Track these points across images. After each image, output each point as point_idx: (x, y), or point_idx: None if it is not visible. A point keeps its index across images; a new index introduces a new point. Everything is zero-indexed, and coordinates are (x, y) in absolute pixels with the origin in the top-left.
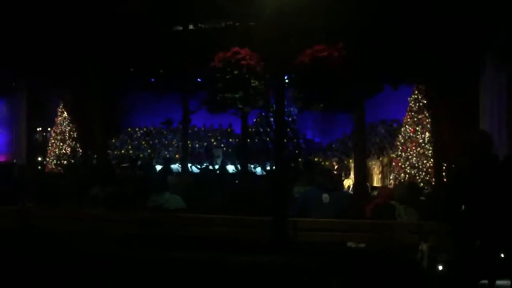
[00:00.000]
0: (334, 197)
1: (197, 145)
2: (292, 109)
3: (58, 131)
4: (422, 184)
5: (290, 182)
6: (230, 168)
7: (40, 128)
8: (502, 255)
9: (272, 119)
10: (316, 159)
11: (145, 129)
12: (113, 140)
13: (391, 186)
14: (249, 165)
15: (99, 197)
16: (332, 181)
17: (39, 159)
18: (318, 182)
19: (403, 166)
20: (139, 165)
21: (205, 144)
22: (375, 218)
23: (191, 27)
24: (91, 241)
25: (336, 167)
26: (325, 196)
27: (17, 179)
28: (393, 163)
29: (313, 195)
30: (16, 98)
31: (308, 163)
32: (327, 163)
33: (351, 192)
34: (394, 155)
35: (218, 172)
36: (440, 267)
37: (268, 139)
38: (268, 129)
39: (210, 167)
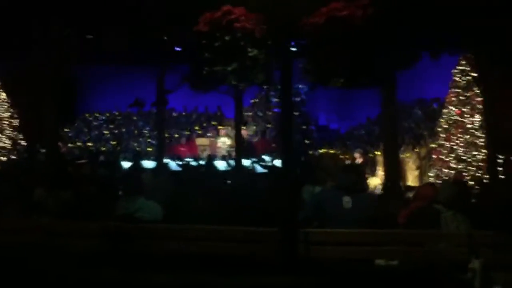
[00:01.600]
0: (357, 201)
1: (176, 135)
2: (300, 86)
3: None
4: (472, 182)
5: (299, 181)
6: (220, 164)
7: None
8: None
9: (275, 100)
10: (332, 152)
11: (107, 114)
12: (67, 130)
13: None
14: (245, 160)
15: (46, 203)
16: (356, 180)
17: None
18: (337, 180)
19: (446, 159)
20: (101, 162)
21: (186, 132)
22: (412, 227)
23: None
24: (39, 260)
25: (359, 161)
26: (346, 200)
27: None
28: (434, 156)
29: (330, 198)
30: None
31: (306, 166)
32: (347, 156)
33: (380, 194)
34: (434, 145)
35: (204, 169)
36: None
37: (269, 125)
38: (270, 113)
39: (194, 163)
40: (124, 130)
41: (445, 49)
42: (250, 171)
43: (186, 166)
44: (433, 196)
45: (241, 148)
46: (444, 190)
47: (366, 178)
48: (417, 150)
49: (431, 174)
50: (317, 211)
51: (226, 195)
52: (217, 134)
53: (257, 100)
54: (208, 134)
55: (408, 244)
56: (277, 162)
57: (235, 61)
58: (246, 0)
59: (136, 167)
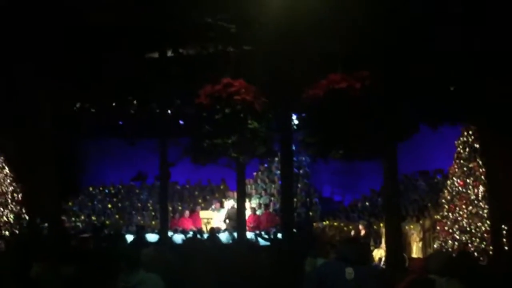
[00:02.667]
0: (361, 273)
1: (179, 207)
2: (303, 158)
3: None
4: (476, 253)
5: (302, 253)
6: (223, 236)
7: None
8: None
9: (277, 172)
10: (335, 224)
11: (111, 187)
12: (70, 203)
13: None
14: (248, 233)
15: (43, 279)
16: (359, 252)
17: None
18: (340, 252)
19: (450, 230)
20: (105, 236)
21: (190, 205)
22: None
23: (169, 53)
24: None
25: (362, 233)
26: (349, 271)
27: None
28: (438, 227)
29: (333, 270)
30: None
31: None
32: (350, 228)
33: (383, 266)
34: (438, 217)
35: (207, 243)
36: None
37: (272, 198)
38: (273, 185)
39: (198, 236)
40: (127, 203)
41: (446, 120)
42: (253, 243)
43: (189, 239)
44: (424, 267)
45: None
46: (433, 258)
47: (371, 250)
48: (421, 221)
49: (435, 246)
50: (320, 283)
51: (228, 268)
52: (221, 207)
53: (260, 173)
54: (212, 207)
55: None
56: (280, 235)
57: (235, 134)
58: (246, 71)
59: (139, 240)
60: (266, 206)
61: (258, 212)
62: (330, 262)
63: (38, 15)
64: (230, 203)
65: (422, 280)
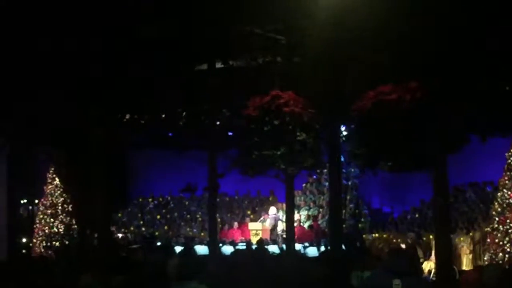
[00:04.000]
0: (409, 284)
1: (229, 218)
2: (352, 170)
3: (48, 204)
4: None
5: (349, 266)
6: (272, 248)
7: (25, 200)
8: None
9: (326, 183)
10: (384, 236)
11: (160, 198)
12: (120, 214)
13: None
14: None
15: None
16: (406, 263)
17: (24, 240)
18: (387, 264)
19: (501, 242)
20: (155, 247)
21: (239, 216)
22: None
23: (218, 65)
24: None
25: (412, 245)
26: (397, 283)
27: None
28: (488, 239)
29: (381, 281)
30: None
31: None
32: (399, 240)
33: (433, 279)
34: (489, 229)
35: (255, 254)
36: None
37: (321, 210)
38: (322, 197)
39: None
40: (176, 214)
41: (496, 132)
42: (302, 255)
43: (237, 250)
44: (478, 281)
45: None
46: (488, 273)
47: (420, 262)
48: (471, 234)
49: (486, 258)
50: None
51: (276, 279)
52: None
53: (309, 184)
54: (261, 219)
55: None
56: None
57: (283, 145)
58: (294, 83)
59: (189, 251)
60: (315, 217)
61: (307, 224)
62: (377, 273)
63: (93, 26)
64: (272, 211)
65: None
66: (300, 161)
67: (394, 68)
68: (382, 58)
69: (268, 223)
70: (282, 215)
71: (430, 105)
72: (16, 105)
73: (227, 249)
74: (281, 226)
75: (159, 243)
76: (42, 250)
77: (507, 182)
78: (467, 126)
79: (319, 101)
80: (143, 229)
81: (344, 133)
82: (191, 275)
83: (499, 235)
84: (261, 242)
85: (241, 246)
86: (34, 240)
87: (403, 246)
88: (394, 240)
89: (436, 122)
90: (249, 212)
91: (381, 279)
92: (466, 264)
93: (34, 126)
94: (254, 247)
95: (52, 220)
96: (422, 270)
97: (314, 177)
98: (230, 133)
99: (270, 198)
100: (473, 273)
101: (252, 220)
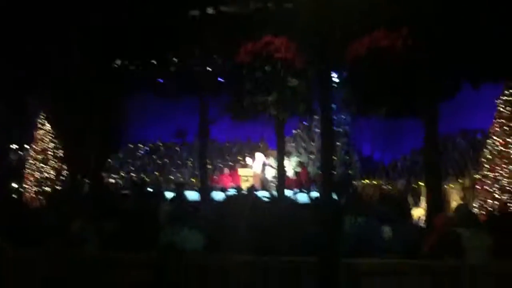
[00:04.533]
0: (399, 231)
1: (219, 164)
2: (343, 117)
3: (39, 149)
4: None
5: (341, 211)
6: (262, 194)
7: (16, 146)
8: None
9: (317, 130)
10: (375, 182)
11: (151, 145)
12: (110, 160)
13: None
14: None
15: (84, 234)
16: (397, 211)
17: (14, 185)
18: (378, 211)
19: (490, 189)
20: (146, 193)
21: (230, 163)
22: (437, 254)
23: (210, 11)
24: None
25: (402, 192)
26: (386, 230)
27: None
28: (478, 186)
29: (371, 228)
30: None
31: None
32: (390, 187)
33: (423, 225)
34: (478, 176)
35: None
36: None
37: (312, 156)
38: (312, 144)
39: (235, 192)
40: (167, 160)
41: (488, 78)
42: (292, 201)
43: (229, 197)
44: (447, 222)
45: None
46: (458, 212)
47: (410, 209)
48: (461, 181)
49: (475, 205)
50: (358, 241)
51: (267, 225)
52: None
53: (299, 131)
54: (251, 165)
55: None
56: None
57: (275, 91)
58: (287, 29)
59: (180, 197)
60: (305, 164)
61: (297, 170)
62: (368, 220)
63: None
64: (259, 157)
65: (447, 234)
66: (292, 108)
67: (386, 13)
68: (376, 4)
69: (255, 169)
70: (273, 162)
71: (422, 52)
72: (6, 50)
73: (218, 195)
74: (271, 172)
75: (149, 189)
76: (33, 195)
77: (497, 129)
78: (459, 73)
79: (312, 47)
80: (134, 175)
81: (336, 80)
82: (183, 220)
83: (488, 182)
84: (251, 188)
85: (232, 192)
86: (25, 186)
87: (394, 193)
88: (385, 187)
89: (428, 69)
90: (239, 158)
91: (371, 226)
92: None
93: (24, 72)
94: (244, 193)
95: (42, 165)
96: (412, 217)
97: (305, 123)
98: (221, 80)
99: (261, 145)
100: (441, 216)
101: (242, 166)
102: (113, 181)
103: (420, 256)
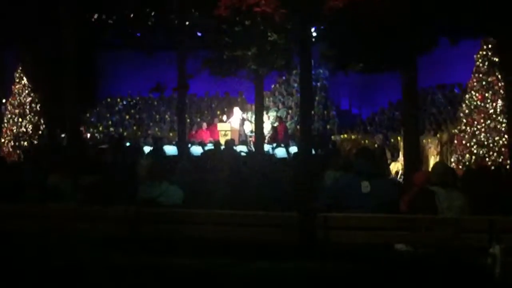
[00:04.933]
0: (377, 186)
1: (198, 119)
2: (321, 71)
3: (16, 103)
4: (493, 167)
5: (320, 166)
6: (240, 149)
7: None
8: None
9: (296, 85)
10: (353, 137)
11: (129, 98)
12: (88, 114)
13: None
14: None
15: (60, 189)
16: (374, 165)
17: None
18: (356, 166)
19: (468, 144)
20: (123, 147)
21: (208, 118)
22: (413, 211)
23: None
24: (62, 246)
25: (380, 146)
26: (365, 185)
27: None
28: (455, 141)
29: (349, 183)
30: None
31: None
32: (367, 141)
33: (400, 180)
34: (456, 130)
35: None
36: None
37: (290, 111)
38: (291, 98)
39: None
40: (145, 115)
41: (466, 34)
42: (270, 156)
43: (207, 151)
44: (426, 180)
45: (263, 133)
46: (435, 171)
47: (387, 164)
48: (439, 135)
49: (452, 160)
50: (336, 196)
51: (246, 180)
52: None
53: (278, 85)
54: (230, 120)
55: (428, 229)
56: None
57: (255, 46)
58: None
59: (158, 152)
60: (283, 119)
61: (275, 125)
62: (346, 175)
63: None
64: (237, 111)
65: (422, 192)
66: (271, 62)
67: None
68: None
69: (234, 124)
70: (251, 116)
71: (401, 6)
72: None
73: (196, 150)
74: (249, 127)
75: (127, 144)
76: (10, 150)
77: (475, 84)
78: (437, 28)
79: (290, 1)
80: (112, 129)
81: (315, 34)
82: (162, 175)
83: (466, 136)
84: (230, 143)
85: (210, 146)
86: (2, 140)
87: (372, 147)
88: (362, 142)
89: (407, 23)
90: (218, 113)
91: (350, 181)
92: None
93: (1, 27)
94: (222, 147)
95: (20, 119)
96: (390, 171)
97: (284, 78)
98: (200, 34)
99: (239, 99)
100: (419, 173)
101: (221, 121)
102: (91, 135)
103: (397, 212)
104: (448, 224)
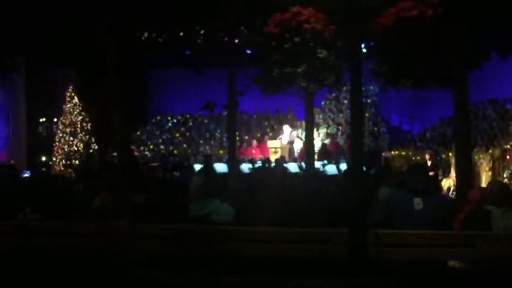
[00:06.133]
0: (429, 202)
1: (246, 137)
2: (372, 88)
3: (67, 122)
4: None
5: (372, 183)
6: (291, 166)
7: (44, 119)
8: None
9: (346, 101)
10: (403, 153)
11: (179, 117)
12: (139, 133)
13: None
14: (318, 163)
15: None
16: (427, 181)
17: (43, 158)
18: (408, 183)
19: None
20: (174, 165)
21: (258, 135)
22: (467, 230)
23: None
24: (115, 264)
25: (429, 162)
26: (418, 201)
27: (16, 185)
28: (508, 156)
29: (401, 200)
30: (12, 80)
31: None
32: (418, 157)
33: (452, 196)
34: (508, 146)
35: (276, 172)
36: None
37: (340, 127)
38: (340, 115)
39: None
40: (195, 132)
41: None
42: (322, 173)
43: (257, 168)
44: (481, 198)
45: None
46: (491, 189)
47: (439, 180)
48: (491, 151)
49: (505, 175)
50: (389, 212)
51: (296, 197)
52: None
53: (328, 102)
54: (280, 137)
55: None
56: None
57: (304, 63)
58: (315, 0)
59: (208, 169)
60: (334, 135)
61: (325, 142)
62: (399, 192)
63: None
64: (286, 129)
65: (478, 211)
66: (321, 79)
67: None
68: None
69: (284, 141)
70: (301, 133)
71: (452, 21)
72: (37, 24)
73: (246, 167)
74: (299, 144)
75: (178, 162)
76: (62, 168)
77: None
78: (487, 43)
79: (340, 17)
80: (162, 147)
81: (364, 50)
82: (214, 193)
83: None
84: (280, 160)
85: (260, 164)
86: (54, 159)
87: (428, 163)
88: (413, 158)
89: (457, 39)
90: (268, 130)
91: (403, 197)
92: (485, 181)
93: (53, 46)
94: (272, 165)
95: (71, 138)
96: (442, 188)
97: (333, 95)
98: (249, 51)
99: (289, 116)
100: (476, 190)
101: (271, 138)
102: (142, 153)
103: (450, 230)
104: (502, 241)
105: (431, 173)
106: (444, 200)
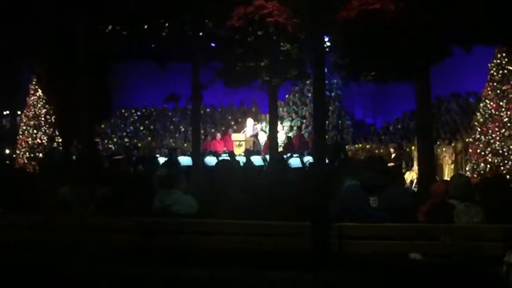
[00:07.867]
0: (386, 197)
1: (212, 130)
2: (335, 81)
3: (31, 115)
4: (508, 176)
5: (335, 175)
6: (256, 159)
7: (8, 112)
8: None
9: (310, 95)
10: (367, 146)
11: (143, 110)
12: (103, 126)
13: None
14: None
15: (70, 200)
16: (383, 176)
17: (7, 151)
18: (364, 178)
19: (483, 153)
20: (138, 157)
21: (223, 128)
22: (430, 223)
23: None
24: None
25: (393, 156)
26: (373, 199)
27: None
28: (470, 150)
29: (356, 197)
30: None
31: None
32: (382, 151)
33: (415, 189)
34: (470, 139)
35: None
36: None
37: (304, 120)
38: (305, 108)
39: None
40: (159, 125)
41: (479, 42)
42: (285, 166)
43: (222, 161)
44: (445, 191)
45: (277, 143)
46: (453, 182)
47: (401, 173)
48: (453, 144)
49: (467, 168)
50: (346, 206)
51: (260, 190)
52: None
53: (292, 95)
54: (244, 130)
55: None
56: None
57: (268, 56)
58: None
59: (173, 162)
60: (298, 128)
61: (290, 135)
62: (352, 187)
63: None
64: (250, 122)
65: (441, 204)
66: (284, 72)
67: None
68: None
69: (248, 134)
70: (265, 126)
71: (414, 15)
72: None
73: (210, 160)
74: (263, 137)
75: (142, 154)
76: (26, 161)
77: (489, 93)
78: (450, 37)
79: (303, 11)
80: (126, 140)
81: (328, 43)
82: (175, 184)
83: (481, 145)
84: (246, 153)
85: (224, 157)
86: (18, 152)
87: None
88: (377, 151)
89: (419, 33)
90: (232, 123)
91: (356, 195)
92: (448, 174)
93: (16, 39)
94: (237, 157)
95: (35, 131)
96: (404, 181)
97: (297, 88)
98: (213, 45)
99: (253, 109)
100: (440, 184)
101: (235, 131)
102: (105, 146)
103: (410, 220)
104: (462, 233)
105: (391, 164)
106: (404, 194)
